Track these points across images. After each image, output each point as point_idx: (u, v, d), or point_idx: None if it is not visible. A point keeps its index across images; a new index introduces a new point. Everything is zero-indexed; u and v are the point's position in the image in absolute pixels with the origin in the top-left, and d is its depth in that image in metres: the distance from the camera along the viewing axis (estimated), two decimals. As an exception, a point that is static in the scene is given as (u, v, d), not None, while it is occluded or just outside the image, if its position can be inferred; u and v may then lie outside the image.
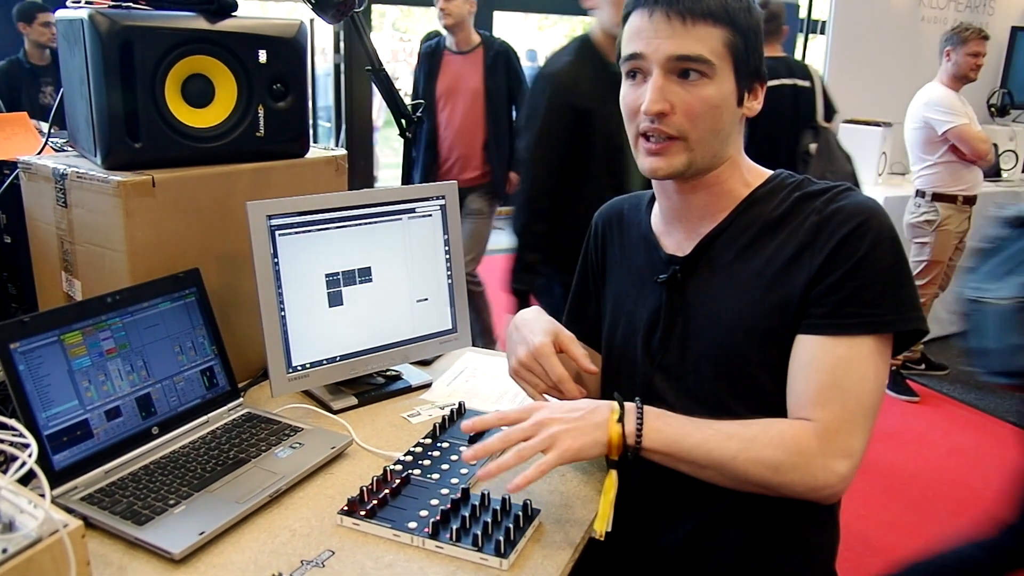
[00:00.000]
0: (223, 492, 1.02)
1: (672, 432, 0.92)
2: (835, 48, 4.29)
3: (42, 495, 0.82)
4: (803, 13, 6.05)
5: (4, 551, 0.76)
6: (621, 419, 0.92)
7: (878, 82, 4.35)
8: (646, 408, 0.93)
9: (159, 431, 1.14)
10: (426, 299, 1.40)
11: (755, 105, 1.01)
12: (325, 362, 1.30)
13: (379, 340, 1.35)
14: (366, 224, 1.32)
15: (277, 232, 1.23)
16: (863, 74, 4.35)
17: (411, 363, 1.45)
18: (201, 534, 0.92)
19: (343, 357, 1.31)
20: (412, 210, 1.37)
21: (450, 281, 1.43)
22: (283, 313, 1.24)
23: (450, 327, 1.43)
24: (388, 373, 1.41)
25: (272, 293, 1.23)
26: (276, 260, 1.23)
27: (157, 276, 1.20)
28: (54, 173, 1.33)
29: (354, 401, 1.32)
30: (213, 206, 1.32)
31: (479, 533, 0.93)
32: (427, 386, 1.41)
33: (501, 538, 0.91)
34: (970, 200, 3.47)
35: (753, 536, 1.03)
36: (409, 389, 1.39)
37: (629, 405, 0.93)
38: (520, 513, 0.96)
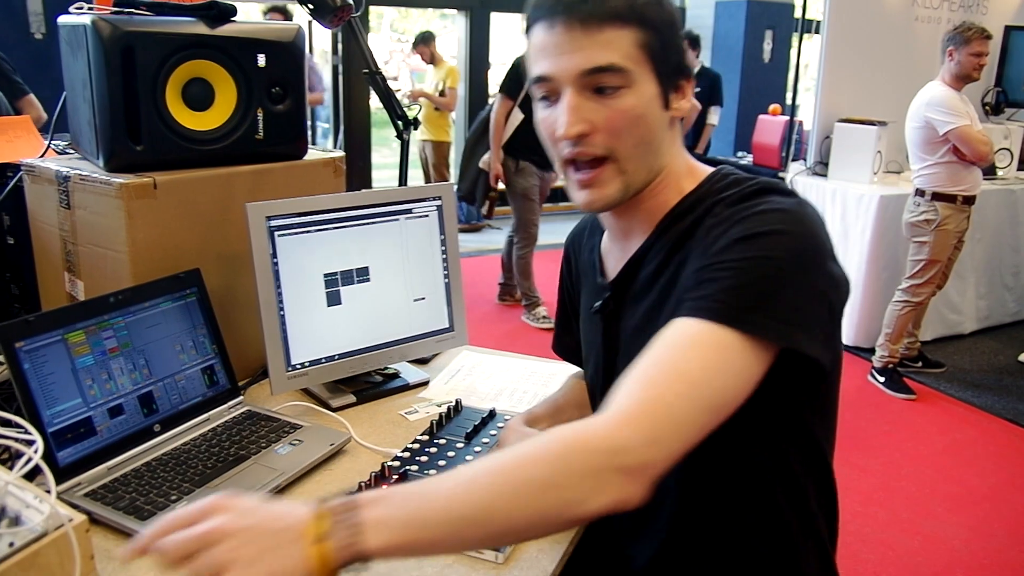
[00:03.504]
0: (224, 488, 1.04)
1: (404, 515, 0.66)
2: (830, 48, 4.31)
3: (47, 491, 0.84)
4: (798, 13, 6.06)
5: (11, 544, 0.78)
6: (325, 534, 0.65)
7: (872, 81, 4.37)
8: (362, 497, 0.67)
9: (161, 428, 1.16)
10: (423, 298, 1.42)
11: (683, 104, 0.90)
12: (324, 360, 1.32)
13: (377, 339, 1.37)
14: (364, 224, 1.34)
15: (276, 233, 1.25)
16: (858, 73, 4.37)
17: (409, 361, 1.47)
18: (203, 528, 0.94)
19: (341, 356, 1.33)
20: (409, 211, 1.39)
21: (447, 280, 1.45)
22: (282, 312, 1.27)
23: (447, 326, 1.45)
24: (386, 371, 1.43)
25: (271, 293, 1.25)
26: (275, 260, 1.25)
27: (159, 276, 1.22)
28: (57, 176, 1.35)
29: (352, 399, 1.34)
30: (213, 207, 1.34)
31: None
32: (424, 384, 1.43)
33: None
34: (969, 200, 3.48)
35: (722, 554, 0.94)
36: (407, 387, 1.41)
37: (337, 505, 0.66)
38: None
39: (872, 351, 3.79)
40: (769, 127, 4.79)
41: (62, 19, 1.40)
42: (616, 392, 0.74)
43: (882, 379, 3.68)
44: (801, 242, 0.79)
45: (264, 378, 1.37)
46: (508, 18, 7.27)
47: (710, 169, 0.95)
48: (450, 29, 7.50)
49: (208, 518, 0.67)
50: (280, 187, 1.41)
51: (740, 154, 5.20)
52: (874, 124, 4.06)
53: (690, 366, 0.74)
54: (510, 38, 7.57)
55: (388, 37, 8.87)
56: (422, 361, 1.52)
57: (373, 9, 5.97)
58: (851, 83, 4.36)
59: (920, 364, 3.91)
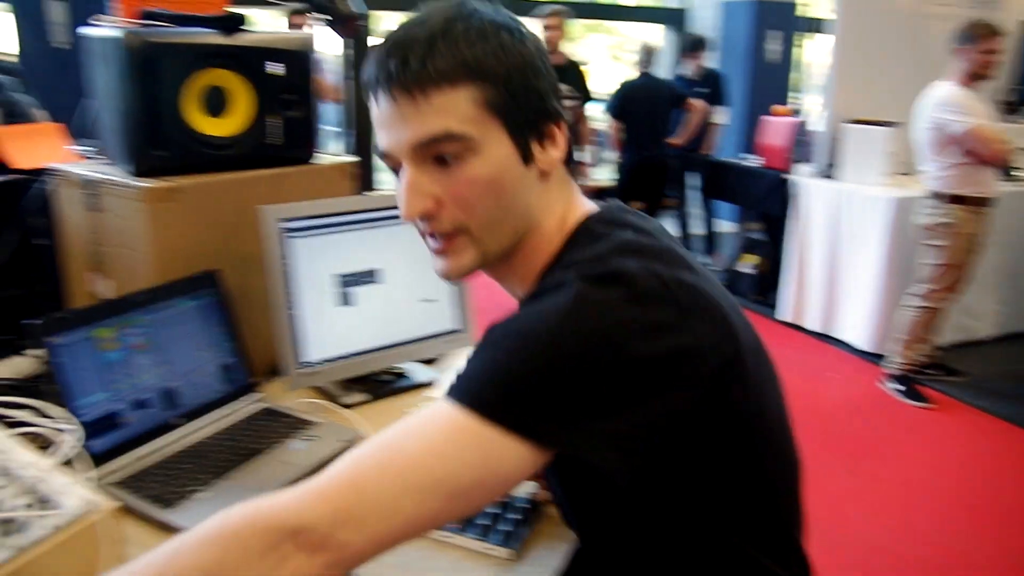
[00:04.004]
0: (242, 480, 1.10)
1: None
2: (840, 47, 4.30)
3: (82, 478, 0.91)
4: (801, 11, 6.04)
5: (49, 527, 0.84)
6: None
7: (883, 81, 4.35)
8: None
9: (182, 422, 1.22)
10: (432, 299, 1.47)
11: (554, 153, 0.80)
12: (336, 359, 1.38)
13: (387, 339, 1.43)
14: (374, 227, 1.39)
15: (289, 235, 1.31)
16: (868, 73, 4.36)
17: (417, 361, 1.53)
18: (222, 517, 1.00)
19: (353, 355, 1.39)
20: (419, 214, 1.44)
21: (455, 282, 1.50)
22: (296, 312, 1.32)
23: (455, 326, 1.51)
24: (395, 370, 1.48)
25: (284, 293, 1.31)
26: (288, 262, 1.31)
27: (180, 276, 1.28)
28: (84, 180, 1.41)
29: (364, 397, 1.39)
30: (231, 210, 1.40)
31: (486, 524, 1.00)
32: (432, 383, 1.48)
33: (508, 529, 0.98)
34: (987, 202, 3.38)
35: None
36: (416, 386, 1.47)
37: None
38: (525, 505, 1.03)
39: (885, 357, 3.73)
40: (775, 128, 4.79)
41: (87, 31, 1.47)
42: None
43: (898, 387, 3.59)
44: (575, 338, 0.68)
45: (276, 377, 1.43)
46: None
47: (587, 211, 0.84)
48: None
49: None
50: (294, 191, 1.46)
51: (746, 155, 5.21)
52: (885, 125, 4.05)
53: (407, 444, 0.67)
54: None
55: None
56: (431, 361, 1.57)
57: (383, 14, 6.03)
58: (861, 83, 4.34)
59: (937, 372, 3.78)
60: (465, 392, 0.68)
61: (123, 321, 1.17)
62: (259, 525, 0.64)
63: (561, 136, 0.81)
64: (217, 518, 0.66)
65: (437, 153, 0.75)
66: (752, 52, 6.77)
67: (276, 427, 1.24)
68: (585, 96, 4.59)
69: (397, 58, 0.74)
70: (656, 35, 7.14)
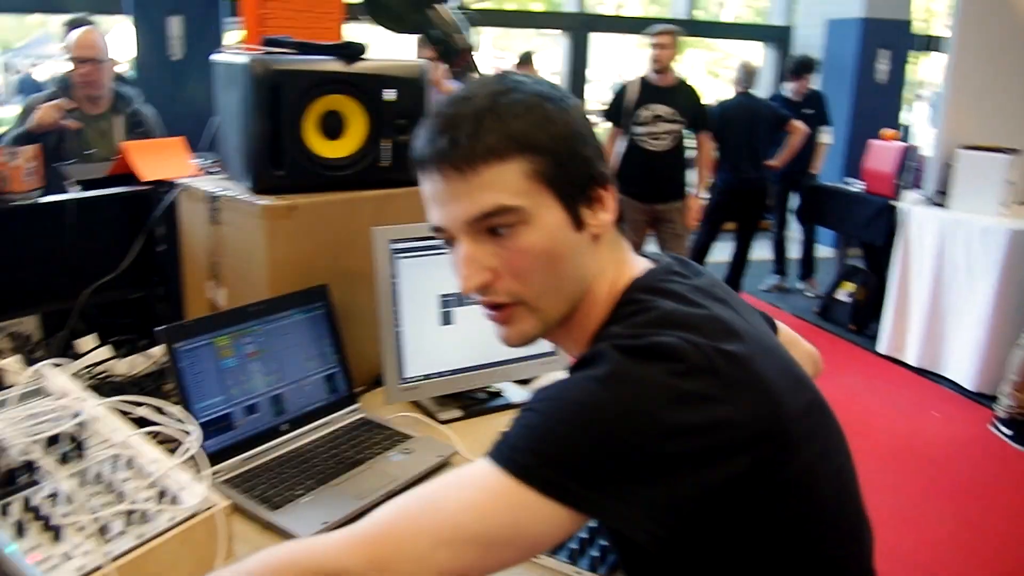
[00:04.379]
0: (343, 488, 1.15)
1: None
2: (955, 67, 4.11)
3: (200, 476, 0.97)
4: (917, 28, 5.77)
5: (171, 520, 0.92)
6: None
7: (1001, 104, 4.13)
8: None
9: (288, 428, 1.29)
10: (528, 321, 1.50)
11: (604, 217, 0.81)
12: (434, 376, 1.42)
13: (485, 359, 1.46)
14: (476, 250, 1.43)
15: (398, 255, 1.37)
16: (984, 95, 4.13)
17: (512, 381, 1.56)
18: (324, 524, 1.05)
19: (451, 372, 1.43)
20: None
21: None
22: (400, 329, 1.38)
23: (550, 349, 1.53)
24: (490, 390, 1.52)
25: (390, 310, 1.36)
26: (396, 280, 1.36)
27: (292, 289, 1.36)
28: (208, 194, 1.51)
29: (459, 414, 1.43)
30: (341, 228, 1.47)
31: (575, 548, 1.01)
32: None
33: (597, 555, 1.00)
34: None
35: None
36: (510, 406, 1.49)
37: None
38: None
39: (995, 399, 3.52)
40: (882, 153, 4.61)
41: (217, 57, 1.58)
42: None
43: (1008, 431, 3.40)
44: (612, 406, 0.69)
45: (376, 388, 1.49)
46: (607, 38, 7.34)
47: (625, 286, 0.83)
48: (548, 47, 7.64)
49: None
50: (401, 212, 1.52)
51: (850, 180, 5.03)
52: (1004, 152, 3.84)
53: (445, 499, 0.70)
54: (609, 58, 7.59)
55: (491, 55, 9.13)
56: (525, 382, 1.60)
57: (476, 29, 6.18)
58: (977, 106, 4.13)
59: None
60: (503, 454, 0.70)
61: (240, 330, 1.25)
62: (301, 564, 0.68)
63: (610, 198, 0.82)
64: (266, 552, 0.71)
65: (490, 226, 0.77)
66: (859, 72, 6.51)
67: (375, 439, 1.29)
68: (696, 120, 4.18)
69: (447, 136, 0.76)
70: (756, 53, 7.00)
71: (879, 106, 6.52)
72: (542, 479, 0.68)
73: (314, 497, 1.12)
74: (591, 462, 0.68)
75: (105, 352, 1.43)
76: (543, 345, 1.51)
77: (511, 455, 0.70)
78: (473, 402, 1.47)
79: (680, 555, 0.77)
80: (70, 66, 2.96)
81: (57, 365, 1.14)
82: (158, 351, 1.40)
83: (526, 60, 6.14)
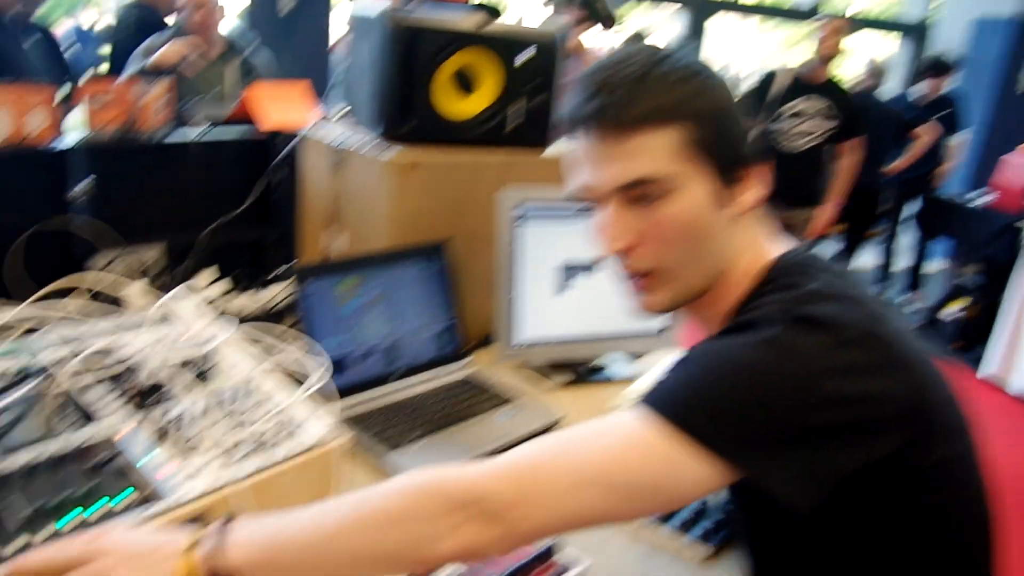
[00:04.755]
0: (453, 439, 1.16)
1: (265, 537, 0.71)
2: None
3: (324, 410, 0.99)
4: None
5: (297, 449, 0.94)
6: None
7: None
8: (238, 519, 0.72)
9: (398, 377, 1.30)
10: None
11: (748, 196, 0.81)
12: (545, 342, 1.42)
13: (595, 330, 1.45)
14: (598, 220, 1.41)
15: (521, 220, 1.36)
16: None
17: (621, 354, 1.54)
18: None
19: (561, 340, 1.43)
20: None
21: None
22: (515, 293, 1.37)
23: (662, 326, 1.50)
24: (599, 361, 1.50)
25: (508, 273, 1.36)
26: (517, 244, 1.36)
27: (410, 242, 1.37)
28: (333, 143, 1.54)
29: (565, 381, 1.42)
30: (464, 188, 1.47)
31: (687, 520, 0.99)
32: (634, 379, 1.48)
33: (709, 527, 0.98)
34: None
35: None
36: (616, 379, 1.47)
37: (213, 525, 0.72)
38: (725, 512, 1.01)
39: None
40: (1018, 167, 4.32)
41: (355, 9, 1.60)
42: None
43: None
44: (775, 370, 0.69)
45: (484, 348, 1.49)
46: (728, 18, 7.09)
47: (774, 255, 0.83)
48: (663, 23, 7.46)
49: (93, 543, 0.71)
50: (523, 176, 1.51)
51: (978, 192, 4.73)
52: None
53: (593, 441, 0.71)
54: (726, 42, 7.31)
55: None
56: (634, 356, 1.57)
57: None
58: None
59: None
60: (663, 402, 0.70)
61: (362, 277, 1.27)
62: (445, 489, 0.69)
63: (756, 179, 0.81)
64: (410, 474, 0.72)
65: (639, 193, 0.77)
66: (1002, 77, 5.99)
67: (482, 397, 1.30)
68: (849, 122, 3.75)
69: (603, 97, 0.76)
70: (888, 48, 6.62)
71: (1019, 118, 6.02)
72: (703, 431, 0.68)
73: (426, 444, 1.13)
74: (752, 420, 0.68)
75: (222, 287, 1.48)
76: (656, 321, 1.50)
77: (672, 405, 0.70)
78: (579, 372, 1.46)
79: (819, 528, 0.77)
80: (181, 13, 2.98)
81: (187, 294, 1.18)
82: (270, 292, 1.44)
83: (638, 38, 6.01)
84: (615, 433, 0.71)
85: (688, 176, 0.76)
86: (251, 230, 1.74)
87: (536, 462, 0.70)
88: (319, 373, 1.01)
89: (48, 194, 1.34)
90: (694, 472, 0.68)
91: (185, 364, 1.01)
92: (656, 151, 0.76)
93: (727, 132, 0.79)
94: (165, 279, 1.53)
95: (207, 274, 1.53)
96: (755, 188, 0.81)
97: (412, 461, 1.08)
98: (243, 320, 1.35)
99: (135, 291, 1.32)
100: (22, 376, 0.91)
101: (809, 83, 3.79)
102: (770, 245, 0.84)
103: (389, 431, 1.15)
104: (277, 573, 0.70)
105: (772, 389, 0.69)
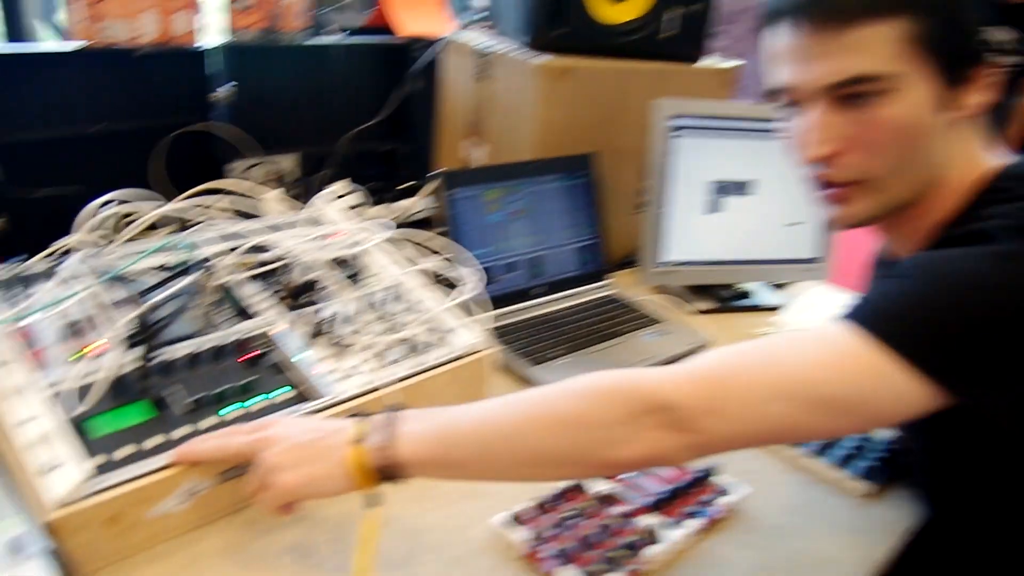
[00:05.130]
0: (599, 357, 1.14)
1: (437, 429, 0.68)
2: None
3: (476, 319, 0.98)
4: None
5: (444, 355, 0.93)
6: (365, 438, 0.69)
7: None
8: (405, 412, 0.70)
9: (542, 291, 1.28)
10: (799, 223, 1.38)
11: (975, 99, 0.71)
12: (691, 263, 1.35)
13: (745, 254, 1.37)
14: (759, 138, 1.32)
15: (676, 132, 1.28)
16: None
17: (767, 283, 1.46)
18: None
19: (708, 263, 1.36)
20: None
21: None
22: (665, 210, 1.31)
23: (814, 256, 1.41)
24: (743, 287, 1.43)
25: (660, 189, 1.30)
26: (670, 159, 1.29)
27: (556, 154, 1.32)
28: (478, 49, 1.49)
29: (709, 306, 1.37)
30: (614, 98, 1.40)
31: (848, 454, 0.93)
32: (779, 308, 1.41)
33: (871, 464, 0.92)
34: None
35: None
36: (759, 308, 1.41)
37: (379, 416, 0.70)
38: (890, 448, 0.95)
39: None
40: None
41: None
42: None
43: None
44: (1005, 285, 0.62)
45: (625, 268, 1.44)
46: None
47: (990, 173, 0.74)
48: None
49: (260, 432, 0.71)
50: (675, 89, 1.42)
51: None
52: None
53: (789, 353, 0.65)
54: None
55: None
56: (779, 286, 1.49)
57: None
58: None
59: None
60: (872, 317, 0.64)
61: (508, 187, 1.23)
62: (629, 392, 0.65)
63: (986, 81, 0.71)
64: (587, 376, 0.68)
65: (852, 93, 0.69)
66: None
67: (625, 317, 1.26)
68: None
69: None
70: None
71: None
72: (916, 349, 0.62)
73: (572, 360, 1.11)
74: (972, 340, 0.61)
75: (359, 197, 1.47)
76: (807, 251, 1.40)
77: (883, 319, 0.64)
78: (724, 297, 1.40)
79: (1018, 462, 0.72)
80: None
81: (334, 197, 1.18)
82: (404, 204, 1.43)
83: None
84: (819, 345, 0.65)
85: (910, 75, 0.68)
86: (386, 141, 1.73)
87: (731, 371, 0.65)
88: (473, 281, 1.00)
89: (191, 97, 1.35)
90: (901, 393, 0.62)
91: (337, 263, 1.01)
92: (878, 46, 0.67)
93: (958, 23, 0.69)
94: (299, 189, 1.55)
95: (341, 185, 1.53)
96: (982, 91, 0.72)
97: (557, 377, 1.05)
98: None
99: (272, 198, 1.34)
100: (183, 269, 0.93)
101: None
102: (986, 155, 0.75)
103: (533, 346, 1.14)
104: (447, 469, 0.69)
105: (1000, 307, 0.61)
